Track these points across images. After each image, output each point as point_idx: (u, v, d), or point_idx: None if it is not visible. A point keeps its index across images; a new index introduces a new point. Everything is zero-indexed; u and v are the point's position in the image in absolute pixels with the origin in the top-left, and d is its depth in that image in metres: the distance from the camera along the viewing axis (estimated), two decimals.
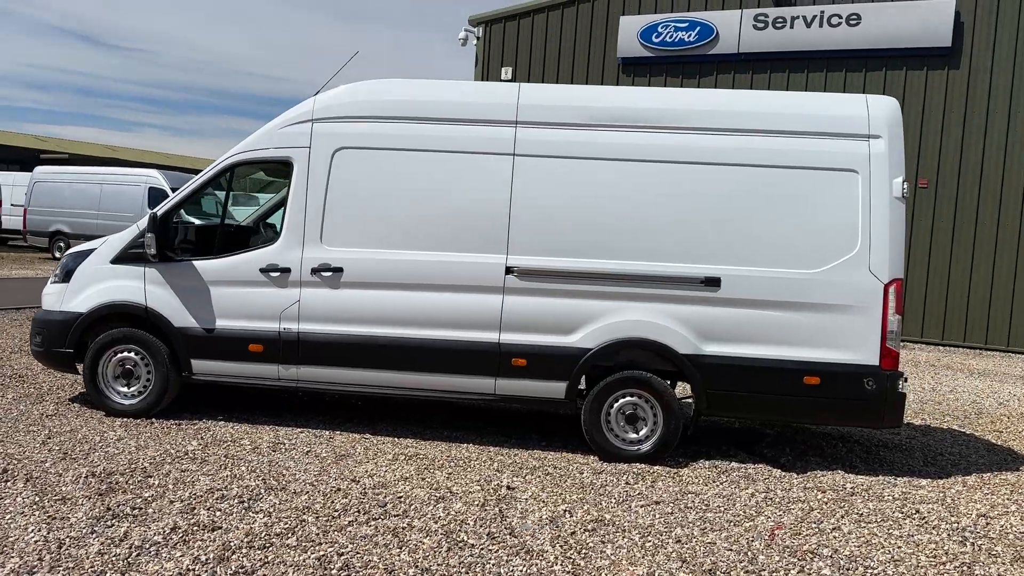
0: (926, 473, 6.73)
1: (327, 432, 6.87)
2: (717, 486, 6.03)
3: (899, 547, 4.97)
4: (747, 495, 5.83)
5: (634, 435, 6.57)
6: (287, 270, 6.74)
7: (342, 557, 4.35)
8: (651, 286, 6.47)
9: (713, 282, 6.41)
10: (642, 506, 5.47)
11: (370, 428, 7.09)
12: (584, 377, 6.65)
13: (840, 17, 16.13)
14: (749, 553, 4.75)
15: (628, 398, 6.55)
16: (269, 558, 4.29)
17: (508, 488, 5.69)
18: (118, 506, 4.85)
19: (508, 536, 4.77)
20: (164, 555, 4.25)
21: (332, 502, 5.16)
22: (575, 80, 17.96)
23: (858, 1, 16.10)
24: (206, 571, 4.09)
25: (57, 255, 22.71)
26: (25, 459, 5.66)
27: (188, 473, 5.57)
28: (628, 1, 17.78)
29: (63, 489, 5.12)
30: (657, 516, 5.29)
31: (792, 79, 16.59)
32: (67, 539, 4.37)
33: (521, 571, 4.34)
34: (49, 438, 6.19)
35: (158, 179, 22.23)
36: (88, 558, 4.16)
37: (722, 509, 5.51)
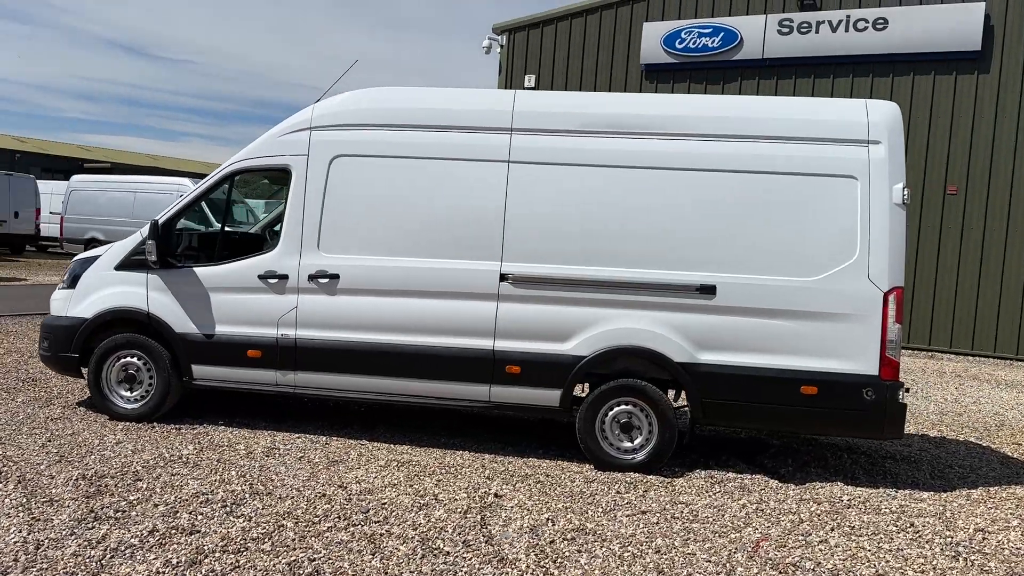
0: (931, 486, 6.58)
1: (324, 438, 6.92)
2: (709, 496, 5.95)
3: (887, 561, 4.87)
4: (738, 506, 5.74)
5: (629, 444, 6.51)
6: (285, 277, 6.81)
7: (313, 563, 4.37)
8: (645, 294, 6.41)
9: (708, 290, 6.33)
10: (627, 516, 5.42)
11: (367, 434, 7.12)
12: (587, 385, 6.62)
13: (867, 21, 15.89)
14: (728, 565, 4.68)
15: (623, 406, 6.50)
16: (241, 562, 4.32)
17: (496, 496, 5.68)
18: (102, 509, 4.92)
19: (484, 544, 4.75)
20: (138, 557, 4.30)
21: (314, 508, 5.19)
22: (598, 87, 17.92)
23: (885, 5, 15.86)
24: (175, 573, 4.12)
25: None
26: (22, 461, 5.77)
27: (178, 477, 5.64)
28: (651, 7, 17.70)
29: (52, 491, 5.21)
30: (641, 526, 5.23)
31: (818, 85, 16.39)
32: (46, 540, 4.44)
33: None
34: (49, 441, 6.31)
35: (189, 187, 22.61)
36: (63, 559, 4.22)
37: (710, 520, 5.43)
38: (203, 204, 22.15)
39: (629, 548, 4.85)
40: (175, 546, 4.46)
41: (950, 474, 7.00)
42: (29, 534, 4.51)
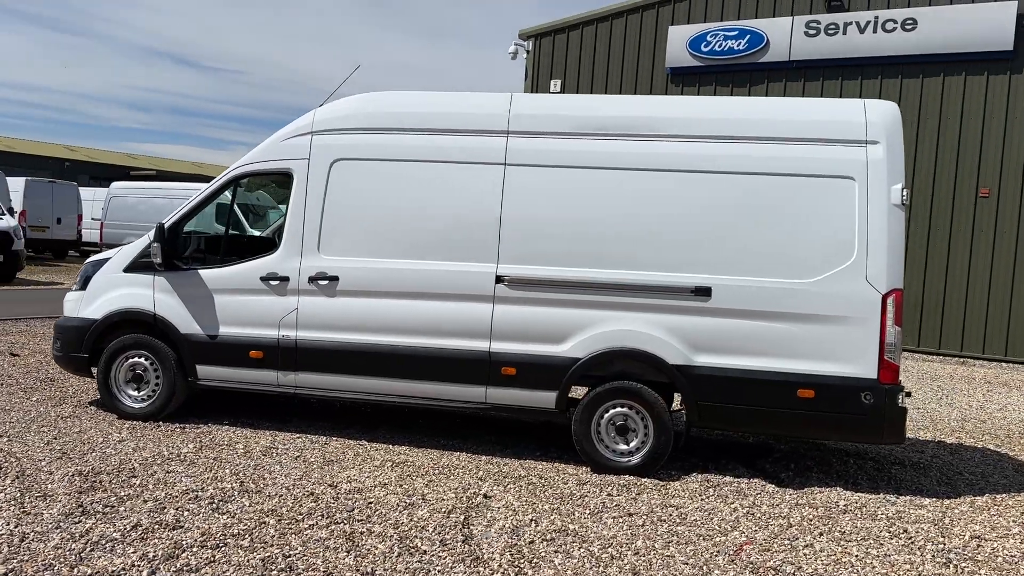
0: (934, 493, 6.44)
1: (323, 438, 6.99)
2: (701, 500, 5.90)
3: (872, 567, 4.79)
4: (729, 510, 5.68)
5: (624, 447, 6.48)
6: (286, 279, 6.90)
7: (288, 559, 4.42)
8: (641, 296, 6.38)
9: (703, 292, 6.29)
10: (614, 518, 5.39)
11: (368, 435, 7.18)
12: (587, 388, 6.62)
13: (895, 22, 15.64)
14: (706, 568, 4.64)
15: (618, 409, 6.47)
16: (216, 557, 4.39)
17: (485, 496, 5.69)
18: (91, 504, 5.04)
19: (461, 544, 4.77)
20: (117, 551, 4.39)
21: (300, 506, 5.25)
22: (623, 91, 17.86)
23: (914, 5, 15.59)
24: (149, 567, 4.21)
25: None
26: (24, 457, 5.93)
27: (172, 474, 5.74)
28: (677, 10, 17.62)
29: (48, 486, 5.34)
30: (625, 528, 5.20)
31: (846, 87, 16.16)
32: (31, 533, 4.56)
33: None
34: (55, 438, 6.47)
35: (225, 195, 22.99)
36: (44, 552, 4.33)
37: (698, 523, 5.38)
38: (236, 208, 22.55)
39: (608, 549, 4.83)
40: (155, 540, 4.55)
41: (958, 481, 6.85)
42: (16, 527, 4.63)
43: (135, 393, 7.26)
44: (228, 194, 7.60)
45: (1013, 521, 5.77)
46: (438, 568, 4.45)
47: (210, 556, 4.40)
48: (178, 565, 4.26)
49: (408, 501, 5.48)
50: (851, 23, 15.97)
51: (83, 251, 30.48)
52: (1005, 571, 4.83)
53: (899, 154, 6.21)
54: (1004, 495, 6.46)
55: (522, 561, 4.59)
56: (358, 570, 4.35)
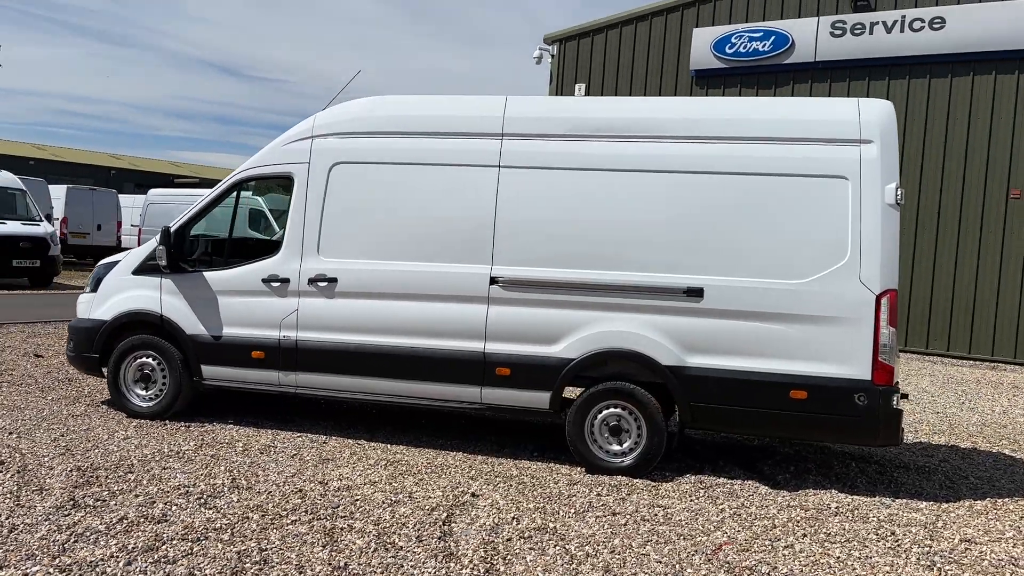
0: (934, 496, 6.34)
1: (323, 437, 7.10)
2: (690, 500, 5.88)
3: (852, 568, 4.74)
4: (716, 510, 5.66)
5: (618, 447, 6.48)
6: (287, 280, 7.03)
7: (263, 553, 4.51)
8: (633, 296, 6.39)
9: (695, 292, 6.27)
10: (597, 517, 5.40)
11: (368, 434, 7.27)
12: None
13: (923, 21, 15.39)
14: (679, 567, 4.63)
15: (612, 409, 6.48)
16: (194, 550, 4.50)
17: (472, 495, 5.74)
18: (84, 498, 5.19)
19: (436, 540, 4.82)
20: (100, 543, 4.52)
21: (286, 502, 5.35)
22: (648, 94, 17.82)
23: (943, 4, 15.33)
24: (127, 558, 4.33)
25: None
26: (29, 453, 6.12)
27: (168, 471, 5.88)
28: (701, 13, 17.53)
29: (46, 480, 5.50)
30: (605, 527, 5.21)
31: (873, 87, 15.93)
32: (21, 525, 4.71)
33: (430, 573, 4.39)
34: (62, 435, 6.66)
35: (259, 201, 23.40)
36: (29, 542, 4.47)
37: (682, 523, 5.37)
38: (268, 213, 22.77)
39: (585, 548, 4.84)
40: (139, 533, 4.67)
41: (962, 485, 6.73)
42: (7, 518, 4.78)
43: (143, 392, 7.44)
44: (232, 197, 7.72)
45: (1009, 525, 5.67)
46: (411, 563, 4.51)
47: (188, 549, 4.51)
48: (156, 557, 4.38)
49: (394, 499, 5.55)
50: (877, 23, 15.75)
51: None
52: (989, 574, 4.75)
53: (894, 153, 6.14)
54: (1007, 499, 6.34)
55: (495, 558, 4.63)
56: (330, 564, 4.42)
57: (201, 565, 4.32)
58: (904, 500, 6.16)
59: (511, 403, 6.68)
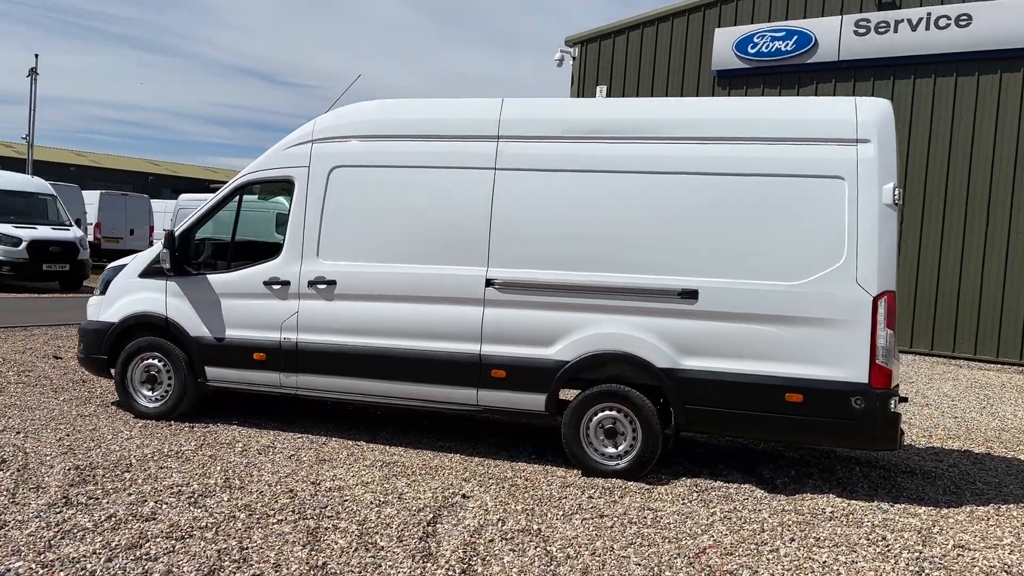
0: (934, 501, 6.22)
1: (323, 438, 7.16)
2: (682, 504, 5.84)
3: (836, 573, 4.67)
4: (707, 514, 5.61)
5: (613, 450, 6.45)
6: (287, 283, 7.11)
7: (244, 551, 4.57)
8: (628, 298, 6.36)
9: (690, 294, 6.23)
10: (584, 519, 5.39)
11: (368, 436, 7.32)
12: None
13: (948, 18, 15.13)
14: (658, 570, 4.60)
15: (607, 412, 6.45)
16: (176, 548, 4.57)
17: (463, 496, 5.75)
18: (77, 496, 5.29)
19: (417, 541, 4.84)
20: (86, 540, 4.60)
21: (275, 502, 5.40)
22: (670, 95, 17.72)
23: (968, 0, 15.06)
24: (109, 554, 4.40)
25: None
26: (32, 452, 6.25)
27: (164, 470, 5.98)
28: (723, 13, 17.40)
29: (44, 479, 5.62)
30: (591, 529, 5.20)
31: (898, 86, 15.69)
32: (12, 521, 4.82)
33: (406, 572, 4.41)
34: (67, 435, 6.79)
35: (285, 205, 23.68)
36: (17, 538, 4.57)
37: (670, 526, 5.34)
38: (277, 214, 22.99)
39: (567, 549, 4.83)
40: (125, 531, 4.75)
41: (966, 490, 6.59)
42: (0, 515, 4.90)
43: (149, 393, 7.57)
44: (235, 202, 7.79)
45: (1009, 531, 5.55)
46: (389, 563, 4.53)
47: (171, 546, 4.57)
48: (137, 554, 4.45)
49: (383, 499, 5.58)
50: (902, 20, 15.53)
51: None
52: None
53: (891, 153, 6.05)
54: (1011, 505, 6.21)
55: (474, 558, 4.64)
56: (307, 563, 4.46)
57: (180, 563, 4.38)
58: (903, 505, 6.06)
59: (507, 405, 6.69)
